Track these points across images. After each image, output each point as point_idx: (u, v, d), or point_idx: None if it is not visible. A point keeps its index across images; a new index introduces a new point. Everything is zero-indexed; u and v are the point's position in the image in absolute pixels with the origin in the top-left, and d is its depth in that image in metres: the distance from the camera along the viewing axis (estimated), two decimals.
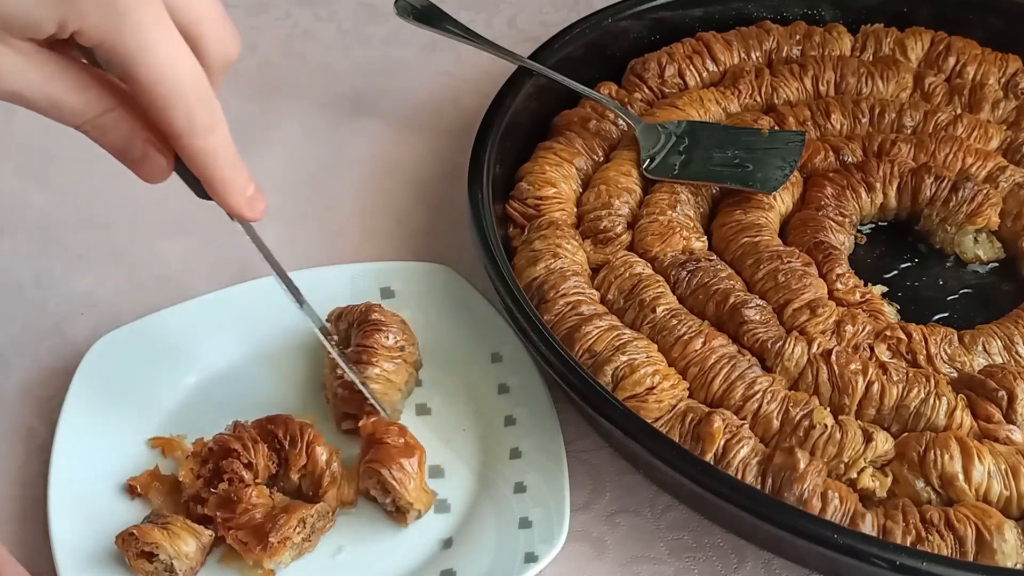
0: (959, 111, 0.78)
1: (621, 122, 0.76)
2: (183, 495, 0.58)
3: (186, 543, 0.54)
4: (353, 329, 0.63)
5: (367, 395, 0.59)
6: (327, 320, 0.64)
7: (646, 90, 0.80)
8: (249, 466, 0.57)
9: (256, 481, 0.57)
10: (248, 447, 0.57)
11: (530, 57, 0.77)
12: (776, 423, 0.58)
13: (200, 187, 0.51)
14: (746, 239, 0.67)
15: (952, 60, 0.81)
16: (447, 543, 0.57)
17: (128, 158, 0.48)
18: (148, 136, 0.48)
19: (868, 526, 0.54)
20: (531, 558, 0.54)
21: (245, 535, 0.54)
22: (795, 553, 0.56)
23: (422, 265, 0.69)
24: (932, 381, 0.59)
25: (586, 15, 0.81)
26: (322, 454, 0.57)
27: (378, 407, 0.59)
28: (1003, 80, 0.80)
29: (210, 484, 0.57)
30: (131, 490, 0.58)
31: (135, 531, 0.54)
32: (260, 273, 0.70)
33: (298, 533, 0.55)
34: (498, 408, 0.62)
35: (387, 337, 0.62)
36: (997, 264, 0.71)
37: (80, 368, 0.62)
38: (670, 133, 0.73)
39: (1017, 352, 0.63)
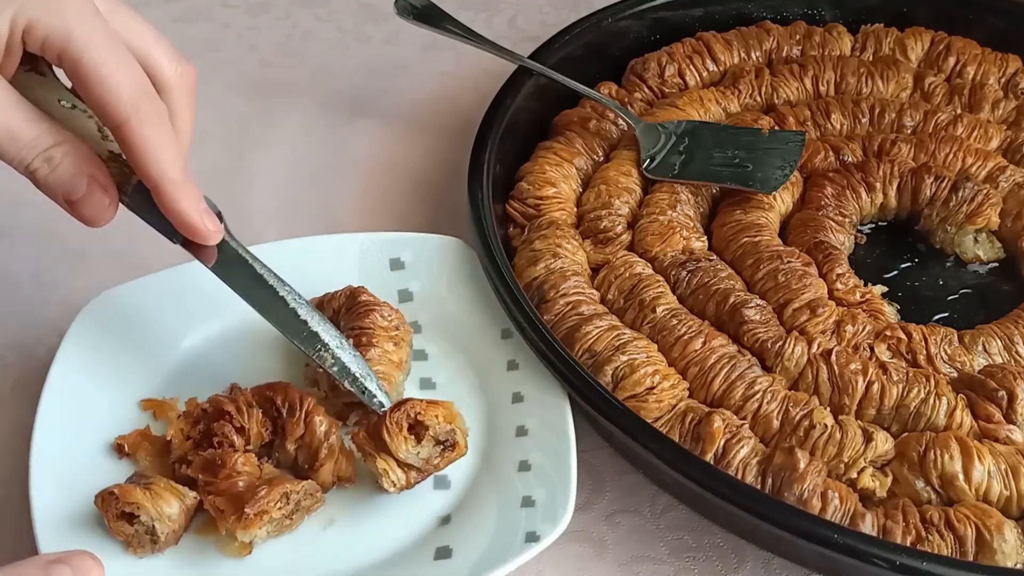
0: (959, 111, 0.78)
1: (621, 122, 0.76)
2: (171, 456, 0.55)
3: (169, 504, 0.52)
4: (342, 315, 0.61)
5: (372, 388, 0.56)
6: None
7: (646, 90, 0.80)
8: (241, 431, 0.55)
9: (247, 448, 0.55)
10: (243, 411, 0.55)
11: (530, 57, 0.77)
12: (776, 423, 0.58)
13: (168, 226, 0.51)
14: (746, 239, 0.67)
15: (952, 60, 0.81)
16: (445, 519, 0.55)
17: (72, 197, 0.49)
18: (93, 173, 0.49)
19: (868, 526, 0.54)
20: (532, 537, 0.52)
21: (223, 502, 0.52)
22: (795, 553, 0.56)
23: (434, 237, 0.67)
24: (932, 381, 0.59)
25: (586, 15, 0.81)
26: (321, 424, 0.55)
27: (378, 396, 0.56)
28: (1003, 80, 0.80)
29: (199, 446, 0.54)
30: (119, 449, 0.56)
31: (115, 490, 0.51)
32: (266, 239, 0.68)
33: (279, 509, 0.52)
34: (506, 385, 0.60)
35: (382, 316, 0.60)
36: (997, 264, 0.71)
37: (75, 323, 0.60)
38: (670, 133, 0.73)
39: (1017, 352, 0.63)
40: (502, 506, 0.55)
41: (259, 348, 0.62)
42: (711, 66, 0.81)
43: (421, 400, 0.54)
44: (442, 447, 0.54)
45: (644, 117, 0.76)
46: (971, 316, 0.67)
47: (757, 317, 0.62)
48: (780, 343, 0.61)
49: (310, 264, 0.64)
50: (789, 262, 0.66)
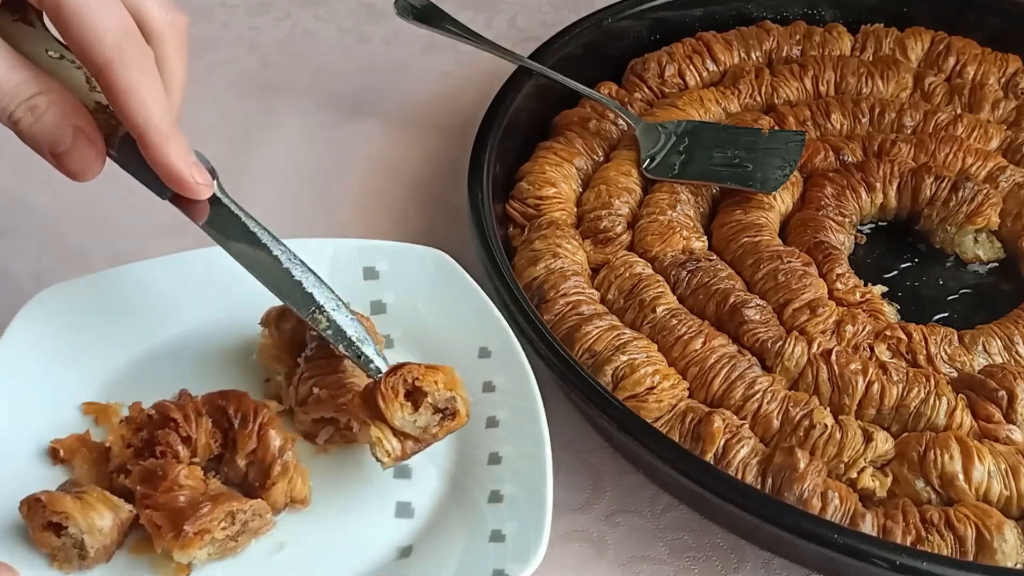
0: (959, 111, 0.78)
1: (621, 122, 0.76)
2: (110, 465, 0.51)
3: (101, 516, 0.47)
4: (308, 327, 0.56)
5: (369, 352, 0.52)
6: (263, 322, 0.58)
7: (646, 90, 0.80)
8: (188, 441, 0.50)
9: (193, 460, 0.51)
10: (190, 419, 0.51)
11: (530, 57, 0.77)
12: (776, 423, 0.58)
13: (157, 180, 0.49)
14: (746, 239, 0.67)
15: (952, 60, 0.81)
16: (406, 551, 0.51)
17: (58, 150, 0.47)
18: (79, 124, 0.47)
19: (868, 526, 0.54)
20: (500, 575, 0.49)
21: (160, 517, 0.47)
22: (795, 553, 0.56)
23: (413, 247, 0.63)
24: (932, 381, 0.59)
25: (586, 15, 0.81)
26: (275, 439, 0.51)
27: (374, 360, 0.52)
28: (1003, 80, 0.80)
29: (140, 455, 0.50)
30: (54, 454, 0.52)
31: (42, 497, 0.47)
32: None
33: (223, 528, 0.48)
34: (480, 408, 0.56)
35: None
36: (997, 264, 0.71)
37: (18, 316, 0.56)
38: (670, 133, 0.73)
39: (1017, 352, 0.63)
40: (469, 539, 0.51)
41: (216, 358, 0.58)
42: (711, 66, 0.81)
43: (419, 364, 0.51)
44: (441, 416, 0.51)
45: (644, 117, 0.76)
46: (971, 316, 0.67)
47: (757, 317, 0.62)
48: (780, 343, 0.61)
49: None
50: (789, 262, 0.66)
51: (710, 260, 0.66)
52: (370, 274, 0.62)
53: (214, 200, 0.52)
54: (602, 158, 0.75)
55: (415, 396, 0.50)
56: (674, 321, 0.62)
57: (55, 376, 0.55)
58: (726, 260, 0.67)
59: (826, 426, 0.57)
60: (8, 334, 0.55)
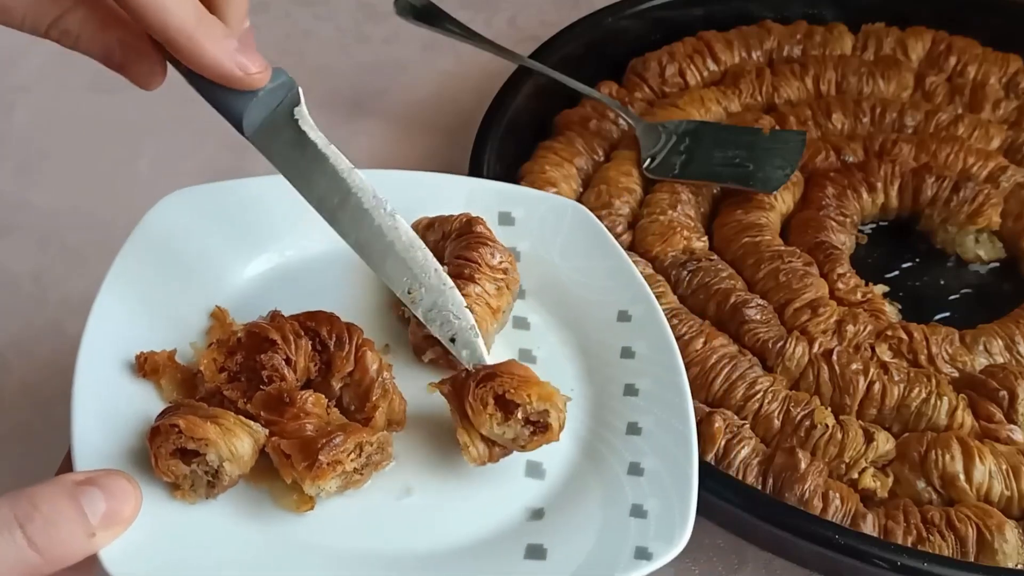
0: (960, 111, 0.78)
1: (622, 122, 0.76)
2: (199, 390, 0.47)
3: (241, 442, 0.43)
4: (450, 241, 0.54)
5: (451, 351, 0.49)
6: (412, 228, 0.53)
7: (647, 89, 0.80)
8: (289, 363, 0.47)
9: (296, 383, 0.47)
10: (289, 340, 0.47)
11: (530, 56, 0.77)
12: (777, 423, 0.58)
13: (225, 98, 0.44)
14: (747, 239, 0.67)
15: (953, 60, 0.81)
16: (537, 513, 0.48)
17: (112, 64, 0.43)
18: (122, 36, 0.43)
19: (869, 526, 0.54)
20: (643, 554, 0.45)
21: (289, 446, 0.43)
22: (796, 554, 0.56)
23: (553, 196, 0.60)
24: (933, 381, 0.59)
25: (587, 14, 0.81)
26: (373, 362, 0.47)
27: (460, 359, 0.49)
28: (1004, 80, 0.80)
29: (235, 379, 0.47)
30: (139, 366, 0.48)
31: (180, 423, 0.42)
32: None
33: (352, 460, 0.45)
34: (618, 374, 0.52)
35: (493, 255, 0.53)
36: (998, 264, 0.71)
37: (140, 226, 0.53)
38: (671, 133, 0.73)
39: (1018, 352, 0.62)
40: (607, 510, 0.47)
41: (331, 281, 0.55)
42: (712, 65, 0.81)
43: (513, 377, 0.47)
44: (532, 428, 0.47)
45: (645, 117, 0.76)
46: (972, 316, 0.67)
47: (758, 317, 0.62)
48: (781, 343, 0.61)
49: (412, 200, 0.55)
50: (790, 262, 0.66)
51: (711, 260, 0.66)
52: (505, 219, 0.58)
53: (289, 123, 0.47)
54: (602, 158, 0.75)
55: (507, 405, 0.47)
56: (675, 321, 0.62)
57: (178, 285, 0.52)
58: (727, 260, 0.67)
59: (827, 426, 0.57)
60: (126, 248, 0.52)
